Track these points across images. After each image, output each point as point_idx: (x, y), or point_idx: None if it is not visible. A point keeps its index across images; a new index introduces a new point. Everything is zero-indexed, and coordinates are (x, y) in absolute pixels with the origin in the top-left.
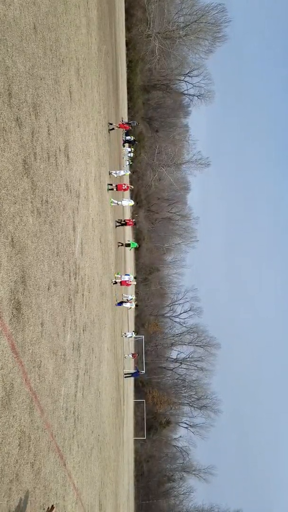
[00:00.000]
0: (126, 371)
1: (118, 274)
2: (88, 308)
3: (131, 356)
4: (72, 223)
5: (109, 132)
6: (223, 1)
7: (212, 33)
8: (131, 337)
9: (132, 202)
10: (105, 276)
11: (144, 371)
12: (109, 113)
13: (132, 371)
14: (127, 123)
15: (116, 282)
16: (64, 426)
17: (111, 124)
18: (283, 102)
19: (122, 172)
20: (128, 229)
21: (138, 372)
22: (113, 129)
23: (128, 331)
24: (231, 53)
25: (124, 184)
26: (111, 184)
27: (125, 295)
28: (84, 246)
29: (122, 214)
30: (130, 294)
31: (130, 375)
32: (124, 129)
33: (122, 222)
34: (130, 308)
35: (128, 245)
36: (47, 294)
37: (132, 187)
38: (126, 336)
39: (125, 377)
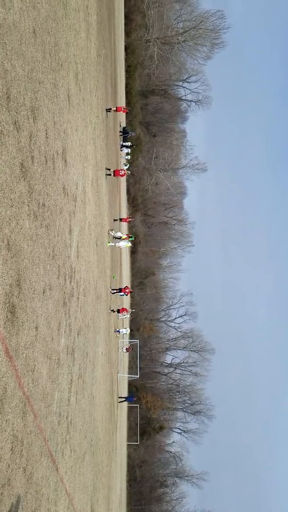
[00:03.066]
0: (120, 396)
1: (114, 277)
2: (83, 312)
3: (125, 350)
4: (69, 226)
5: (106, 114)
6: (222, 8)
7: (210, 39)
8: (125, 333)
9: (129, 244)
10: (101, 279)
11: (138, 376)
12: (107, 118)
13: (126, 395)
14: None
15: (114, 311)
16: (57, 430)
17: (108, 110)
18: (280, 109)
19: (119, 234)
20: (124, 228)
21: (133, 397)
22: (110, 110)
23: (122, 327)
24: (230, 59)
25: (122, 170)
26: (109, 169)
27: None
28: (80, 249)
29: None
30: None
31: (124, 399)
32: (123, 112)
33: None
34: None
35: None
36: (42, 298)
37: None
38: (119, 333)
39: (120, 401)
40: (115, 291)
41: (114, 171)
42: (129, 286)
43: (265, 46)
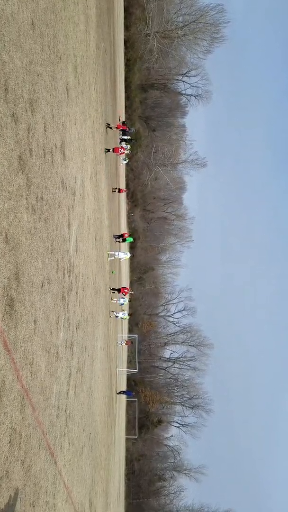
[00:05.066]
0: (119, 390)
1: (113, 272)
2: (81, 306)
3: (124, 343)
4: (67, 220)
5: (106, 130)
6: (222, 2)
7: (210, 34)
8: (122, 317)
9: (128, 255)
10: (100, 274)
11: (136, 371)
12: (106, 111)
13: (125, 389)
14: (124, 123)
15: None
16: (55, 424)
17: (109, 124)
18: (280, 104)
19: (122, 255)
20: (123, 224)
21: (132, 392)
22: (110, 127)
23: (119, 312)
24: (229, 54)
25: (121, 148)
26: (108, 149)
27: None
28: (79, 244)
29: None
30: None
31: (123, 392)
32: (122, 129)
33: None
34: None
35: (124, 240)
36: (40, 291)
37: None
38: (116, 317)
39: (118, 393)
40: (114, 291)
41: (113, 148)
42: (127, 286)
43: (265, 41)
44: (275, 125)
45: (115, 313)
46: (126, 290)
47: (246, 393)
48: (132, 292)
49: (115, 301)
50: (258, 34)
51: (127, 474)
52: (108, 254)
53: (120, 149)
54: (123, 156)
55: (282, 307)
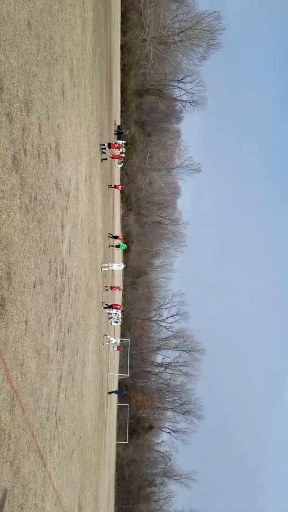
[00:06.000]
0: (110, 390)
1: (106, 275)
2: (74, 308)
3: (116, 348)
4: (61, 221)
5: (100, 151)
6: (219, 9)
7: (206, 40)
8: (115, 343)
9: (122, 266)
10: (93, 277)
11: (128, 375)
12: (102, 115)
13: (117, 389)
14: (119, 127)
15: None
16: (45, 426)
17: (103, 145)
18: (276, 111)
19: (116, 266)
20: (117, 228)
21: (122, 392)
22: (104, 151)
23: (111, 336)
24: (225, 61)
25: (116, 143)
26: (103, 145)
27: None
28: (72, 245)
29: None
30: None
31: (114, 392)
32: (117, 132)
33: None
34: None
35: (118, 246)
36: (32, 292)
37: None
38: (109, 342)
39: (109, 393)
40: (106, 307)
41: (109, 143)
42: (119, 303)
43: (260, 48)
44: (269, 131)
45: (108, 337)
46: (118, 306)
47: (238, 399)
48: (123, 308)
49: (108, 343)
50: (253, 42)
51: (117, 479)
52: (102, 266)
53: (115, 144)
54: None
55: (276, 313)
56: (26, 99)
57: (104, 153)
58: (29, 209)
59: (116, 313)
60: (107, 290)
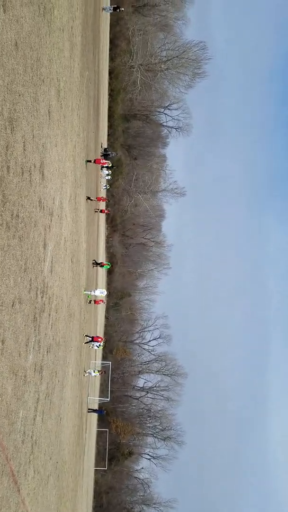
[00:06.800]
0: (91, 407)
1: (88, 297)
2: (54, 329)
3: (95, 373)
4: (43, 240)
5: (86, 165)
6: (205, 39)
7: (192, 69)
8: (95, 375)
9: (105, 293)
10: (75, 297)
11: (108, 399)
12: (88, 137)
13: (97, 408)
14: (105, 152)
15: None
16: (20, 450)
17: (89, 160)
18: (258, 138)
19: (98, 292)
20: (102, 249)
21: (102, 410)
22: (90, 161)
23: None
24: (210, 89)
25: (102, 159)
26: (90, 161)
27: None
28: (54, 265)
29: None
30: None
31: (93, 410)
32: (104, 154)
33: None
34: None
35: (102, 265)
36: (10, 311)
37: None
38: (88, 373)
39: (89, 411)
40: (88, 339)
41: (95, 159)
42: (101, 336)
43: (245, 79)
44: (252, 158)
45: (88, 371)
46: (100, 339)
47: (219, 425)
48: (106, 339)
49: (89, 374)
50: (238, 72)
51: (95, 506)
52: (84, 292)
53: (101, 160)
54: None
55: (256, 340)
56: (11, 117)
57: (90, 161)
58: (10, 226)
59: (98, 345)
60: (90, 303)
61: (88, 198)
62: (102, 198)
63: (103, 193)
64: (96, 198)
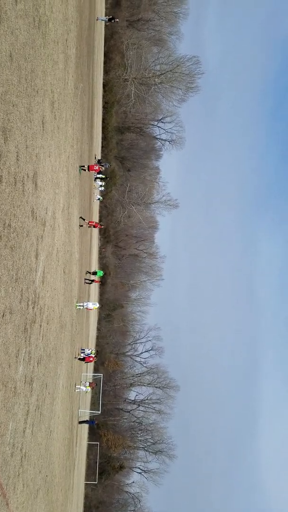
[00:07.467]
0: (81, 418)
1: (78, 306)
2: (45, 340)
3: (86, 387)
4: (35, 250)
5: (79, 172)
6: (198, 54)
7: (185, 83)
8: (86, 392)
9: (97, 305)
10: (66, 308)
11: (99, 412)
12: (82, 149)
13: (88, 419)
14: (99, 164)
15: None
16: (9, 462)
17: (83, 167)
18: (250, 153)
19: (91, 305)
20: (95, 260)
21: (94, 421)
22: (84, 169)
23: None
24: (203, 103)
25: (96, 165)
26: (83, 166)
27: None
28: (46, 275)
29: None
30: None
31: (84, 421)
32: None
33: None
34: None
35: (94, 273)
36: (1, 321)
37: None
38: (79, 389)
39: (80, 422)
40: (79, 358)
41: (88, 166)
42: (93, 355)
43: (238, 93)
44: (244, 171)
45: (79, 388)
46: (91, 359)
47: (210, 440)
48: (96, 358)
49: (80, 390)
50: (231, 86)
51: None
52: (76, 305)
53: (95, 166)
54: (98, 193)
55: (247, 352)
56: (4, 127)
57: (84, 170)
58: (2, 236)
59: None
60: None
61: (81, 218)
62: (95, 223)
63: (96, 204)
64: (89, 222)
